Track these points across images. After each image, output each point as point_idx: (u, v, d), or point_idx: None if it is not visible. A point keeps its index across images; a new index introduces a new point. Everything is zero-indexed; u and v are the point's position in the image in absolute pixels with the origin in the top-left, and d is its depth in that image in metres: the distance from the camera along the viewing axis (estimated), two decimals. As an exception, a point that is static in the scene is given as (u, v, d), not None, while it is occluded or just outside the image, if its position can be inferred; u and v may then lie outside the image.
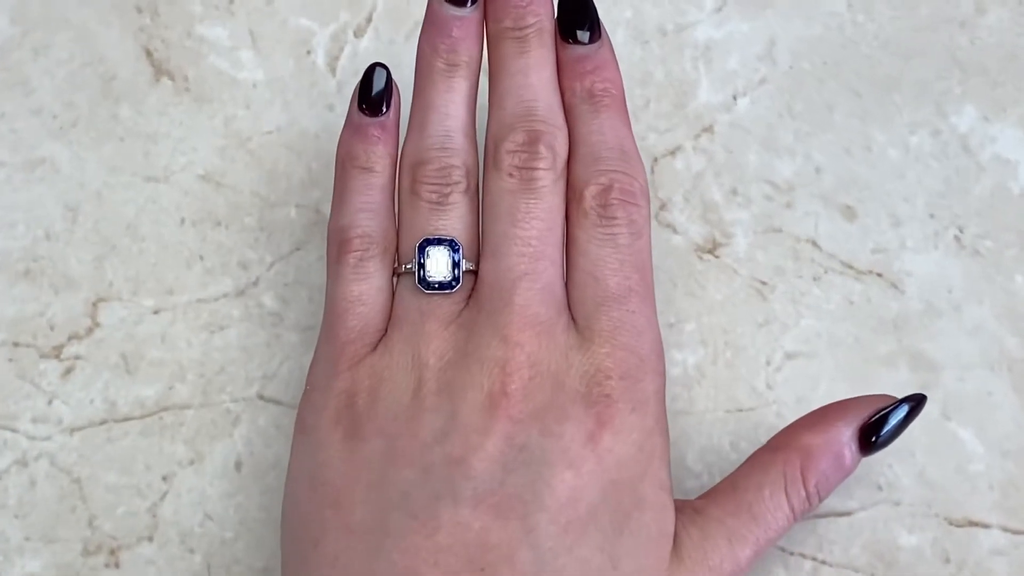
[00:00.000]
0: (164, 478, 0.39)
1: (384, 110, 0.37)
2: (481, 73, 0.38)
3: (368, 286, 0.35)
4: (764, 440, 0.39)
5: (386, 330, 0.35)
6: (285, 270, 0.42)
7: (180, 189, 0.42)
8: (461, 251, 0.35)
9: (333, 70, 0.45)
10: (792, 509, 0.35)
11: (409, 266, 0.35)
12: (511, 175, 0.35)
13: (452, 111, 0.37)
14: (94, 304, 0.41)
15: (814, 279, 0.42)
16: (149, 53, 0.44)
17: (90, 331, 0.41)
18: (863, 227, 0.43)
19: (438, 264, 0.35)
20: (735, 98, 0.45)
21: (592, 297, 0.35)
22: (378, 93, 0.37)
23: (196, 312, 0.41)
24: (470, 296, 0.35)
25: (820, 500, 0.35)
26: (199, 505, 0.39)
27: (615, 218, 0.35)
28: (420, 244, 0.35)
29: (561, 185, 0.36)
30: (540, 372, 0.33)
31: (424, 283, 0.35)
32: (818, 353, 0.41)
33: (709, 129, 0.44)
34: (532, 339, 0.34)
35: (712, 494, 0.36)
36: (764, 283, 0.42)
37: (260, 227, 0.42)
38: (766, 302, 0.42)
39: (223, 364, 0.40)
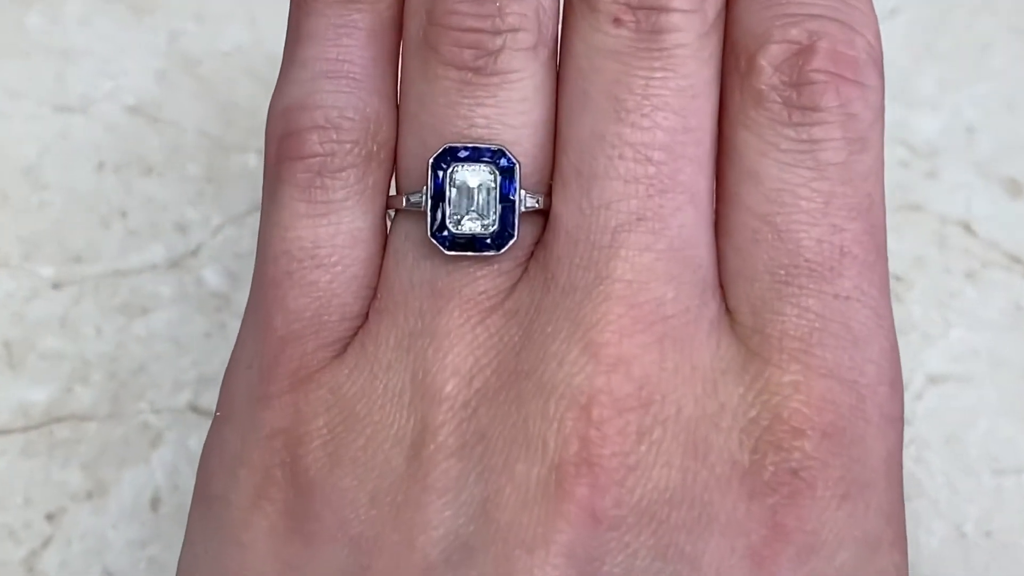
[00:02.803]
0: (49, 517, 0.34)
1: None
2: None
3: (332, 229, 0.23)
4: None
5: (367, 317, 0.23)
6: (237, 236, 0.37)
7: (101, 123, 0.38)
8: (518, 172, 0.22)
9: (316, -25, 0.38)
10: None
11: (415, 198, 0.23)
12: (617, 22, 0.22)
13: None
14: (-29, 272, 0.37)
15: (967, 275, 0.37)
16: (71, -56, 0.40)
17: (-38, 308, 0.36)
18: (1034, 208, 0.38)
19: (472, 196, 0.22)
20: (857, 32, 0.38)
21: (768, 265, 0.22)
22: None
23: (111, 288, 0.36)
24: (530, 259, 0.23)
25: None
26: (97, 556, 0.34)
27: (817, 109, 0.22)
28: (438, 156, 0.22)
29: (712, 45, 0.23)
30: (661, 420, 0.21)
31: (443, 235, 0.22)
32: (974, 376, 0.36)
33: (822, 71, 0.37)
34: (647, 351, 0.21)
35: None
36: (898, 278, 0.37)
37: (207, 177, 0.38)
38: (901, 304, 0.36)
39: (143, 361, 0.36)
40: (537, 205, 0.22)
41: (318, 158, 0.23)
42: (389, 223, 0.24)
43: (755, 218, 0.22)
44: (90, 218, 0.37)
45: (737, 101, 0.22)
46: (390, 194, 0.24)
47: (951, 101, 0.39)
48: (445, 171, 0.22)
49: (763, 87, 0.22)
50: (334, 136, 0.23)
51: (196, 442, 0.35)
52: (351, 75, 0.23)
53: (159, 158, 0.38)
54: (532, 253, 0.22)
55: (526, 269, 0.22)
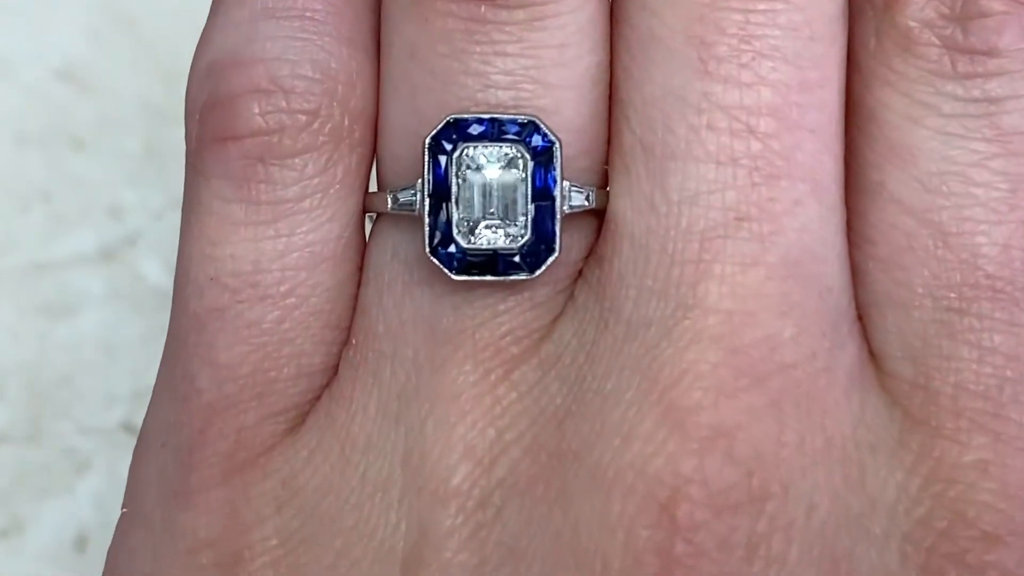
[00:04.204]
0: (-45, 560, 0.31)
1: None
2: None
3: (283, 243, 0.18)
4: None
5: (335, 372, 0.18)
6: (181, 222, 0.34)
7: (22, 90, 0.35)
8: (558, 154, 0.17)
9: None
10: None
11: (406, 196, 0.17)
12: None
13: None
14: None
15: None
16: None
17: None
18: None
19: (491, 193, 0.17)
20: None
21: (931, 286, 0.17)
22: None
23: (32, 284, 0.34)
24: (578, 281, 0.17)
25: None
26: (13, 606, 0.31)
27: (994, 52, 0.16)
28: (439, 133, 0.17)
29: None
30: (783, 525, 0.16)
31: (449, 251, 0.17)
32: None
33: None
34: (758, 419, 0.16)
35: None
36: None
37: (146, 154, 0.35)
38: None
39: (69, 372, 0.33)
40: (587, 204, 0.17)
41: (260, 137, 0.17)
42: (368, 233, 0.18)
43: (908, 216, 0.16)
44: (7, 201, 0.34)
45: (873, 47, 0.17)
46: (369, 191, 0.18)
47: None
48: (450, 155, 0.16)
49: (912, 24, 0.16)
50: (283, 103, 0.17)
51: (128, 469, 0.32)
52: (309, 13, 0.17)
53: (90, 131, 0.34)
54: (581, 273, 0.17)
55: (571, 297, 0.17)
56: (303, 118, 0.17)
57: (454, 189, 0.16)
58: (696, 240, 0.16)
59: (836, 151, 0.16)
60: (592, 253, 0.17)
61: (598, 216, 0.17)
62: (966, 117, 0.16)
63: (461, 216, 0.16)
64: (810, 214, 0.16)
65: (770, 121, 0.16)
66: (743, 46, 0.16)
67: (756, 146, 0.16)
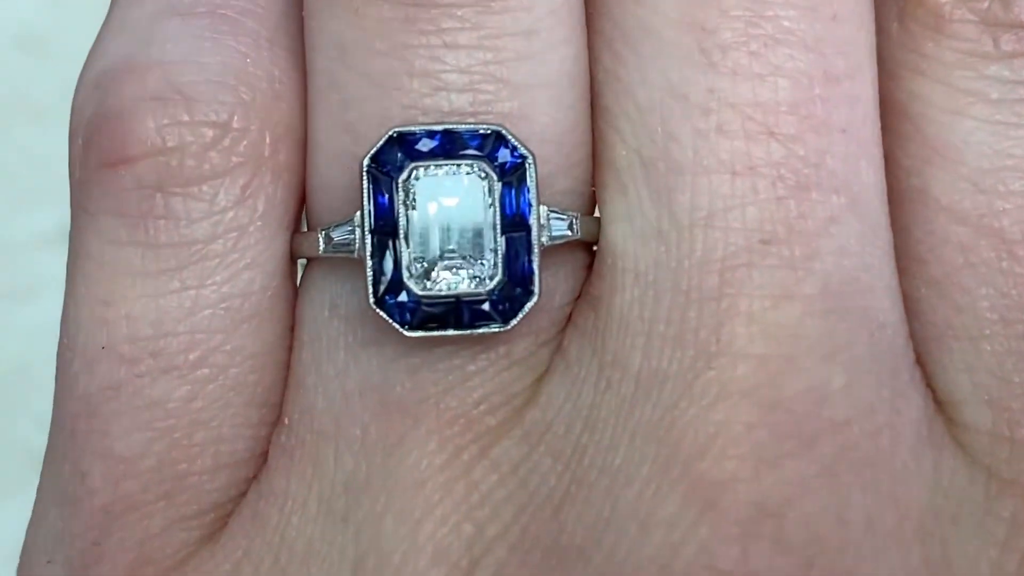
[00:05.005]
0: (-98, 565, 0.28)
1: None
2: None
3: (190, 298, 0.14)
4: None
5: (264, 459, 0.15)
6: (147, 199, 0.34)
7: None
8: (532, 172, 0.13)
9: None
10: None
11: (342, 234, 0.14)
12: None
13: None
14: None
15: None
16: None
17: None
18: None
19: (449, 225, 0.14)
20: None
21: (1000, 308, 0.14)
22: None
23: None
24: (567, 329, 0.14)
25: None
26: (-36, 616, 0.26)
27: None
28: (380, 152, 0.14)
29: None
30: None
31: (400, 301, 0.14)
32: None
33: None
34: (811, 491, 0.13)
35: None
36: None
37: None
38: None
39: (28, 360, 0.33)
40: (571, 233, 0.14)
41: (157, 158, 0.14)
42: (299, 280, 0.15)
43: (961, 225, 0.14)
44: (-40, 178, 0.31)
45: (897, 33, 0.14)
46: (299, 230, 0.15)
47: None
48: (395, 180, 0.13)
49: (942, 0, 0.14)
50: (185, 115, 0.14)
51: (94, 466, 0.31)
52: (221, 10, 0.14)
53: (50, 102, 0.32)
54: (570, 319, 0.14)
55: (560, 349, 0.14)
56: (209, 132, 0.14)
57: (402, 222, 0.13)
58: (715, 271, 0.13)
59: (874, 156, 0.14)
60: (583, 294, 0.14)
61: (586, 248, 0.14)
62: (1017, 102, 0.14)
63: (413, 256, 0.13)
64: (849, 233, 0.13)
65: (791, 120, 0.13)
66: (751, 30, 0.13)
67: (778, 151, 0.13)
